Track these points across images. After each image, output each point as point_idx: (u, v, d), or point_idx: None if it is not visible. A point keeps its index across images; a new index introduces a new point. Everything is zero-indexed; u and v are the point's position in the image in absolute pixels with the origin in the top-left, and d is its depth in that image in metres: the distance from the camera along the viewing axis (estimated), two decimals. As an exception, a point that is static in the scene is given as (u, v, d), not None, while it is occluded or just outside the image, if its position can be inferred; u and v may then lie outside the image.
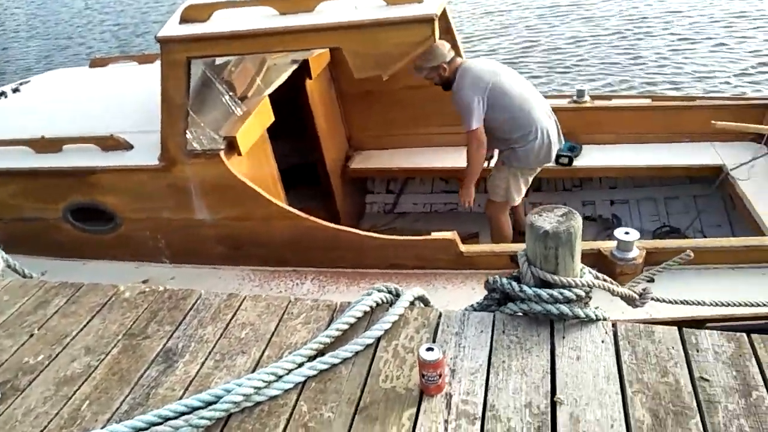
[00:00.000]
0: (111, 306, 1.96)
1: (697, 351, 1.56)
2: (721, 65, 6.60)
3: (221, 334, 1.78)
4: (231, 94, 2.96)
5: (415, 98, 3.83)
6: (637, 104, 3.95)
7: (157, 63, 2.81)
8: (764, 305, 2.07)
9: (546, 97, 4.47)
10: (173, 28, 2.63)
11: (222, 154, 2.74)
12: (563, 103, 3.99)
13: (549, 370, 1.58)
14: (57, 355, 1.79)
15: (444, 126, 3.87)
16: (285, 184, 3.33)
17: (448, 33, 3.59)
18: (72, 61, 9.26)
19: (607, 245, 2.59)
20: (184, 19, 2.62)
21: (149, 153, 2.87)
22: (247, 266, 3.01)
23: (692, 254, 2.11)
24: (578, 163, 3.74)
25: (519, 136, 3.07)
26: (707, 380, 1.48)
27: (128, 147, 2.98)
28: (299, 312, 1.85)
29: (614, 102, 4.02)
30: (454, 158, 3.86)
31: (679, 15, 7.91)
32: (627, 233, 2.49)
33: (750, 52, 6.80)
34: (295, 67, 3.37)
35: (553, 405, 1.48)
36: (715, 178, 3.49)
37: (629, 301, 1.93)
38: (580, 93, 3.93)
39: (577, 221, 1.64)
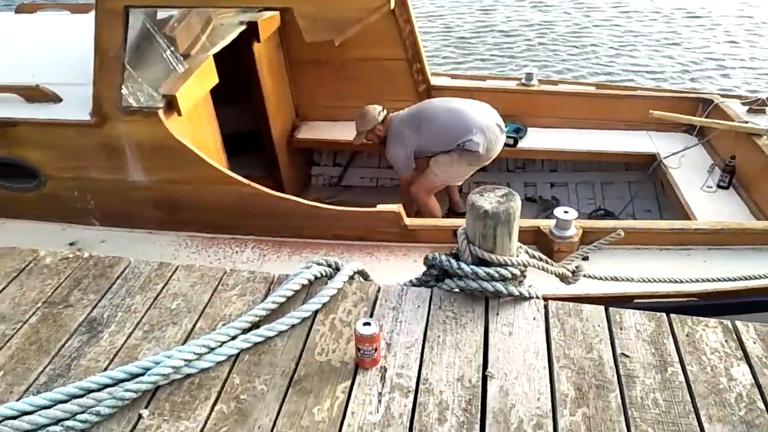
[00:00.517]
0: (29, 272, 1.83)
1: (621, 329, 1.63)
2: (663, 60, 6.88)
3: (151, 305, 1.70)
4: (172, 50, 2.80)
5: (366, 71, 3.77)
6: (582, 90, 4.05)
7: (92, 13, 2.61)
8: (685, 282, 2.18)
9: (495, 79, 4.54)
10: None
11: (161, 112, 2.59)
12: (512, 85, 4.05)
13: (482, 346, 1.61)
14: (-34, 323, 1.66)
15: (394, 101, 3.83)
16: (228, 151, 3.22)
17: (402, 5, 3.53)
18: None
19: (546, 223, 2.67)
20: None
21: (80, 107, 2.68)
22: (183, 232, 2.90)
23: (623, 233, 2.21)
24: (522, 144, 3.82)
25: (464, 140, 3.22)
26: (628, 356, 1.55)
27: (56, 99, 2.77)
28: (235, 283, 1.80)
29: (560, 87, 4.11)
30: None
31: (629, 9, 8.15)
32: (566, 212, 2.56)
33: (689, 49, 7.13)
34: (242, 28, 3.21)
35: (485, 379, 1.52)
36: (648, 166, 3.66)
37: (563, 278, 2.00)
38: (529, 76, 4.00)
39: (516, 202, 1.67)
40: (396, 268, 2.60)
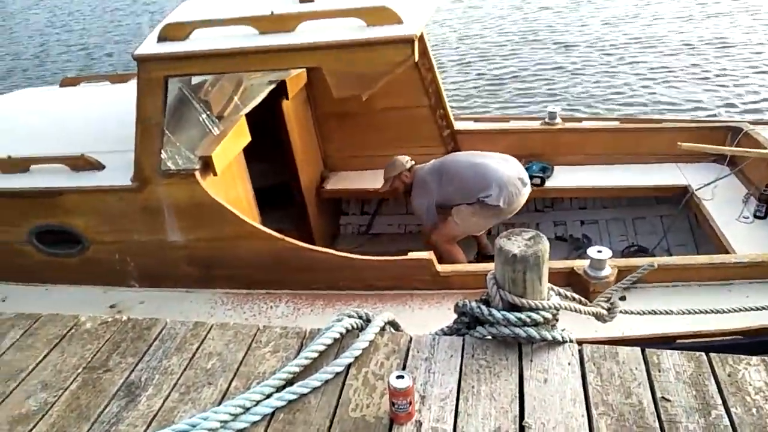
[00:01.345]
0: (71, 338, 1.90)
1: (659, 371, 1.60)
2: (686, 91, 6.85)
3: (187, 365, 1.74)
4: (207, 113, 2.94)
5: (391, 120, 3.87)
6: (606, 126, 4.07)
7: (131, 82, 2.76)
8: (727, 311, 2.11)
9: (519, 119, 4.59)
10: (151, 46, 2.60)
11: (197, 173, 2.71)
12: (535, 125, 4.08)
13: (517, 394, 1.59)
14: (11, 392, 1.71)
15: (419, 147, 3.92)
16: (260, 205, 3.31)
17: (424, 55, 3.65)
18: (35, 82, 9.00)
19: (579, 264, 2.64)
20: (163, 38, 2.60)
21: (121, 173, 2.82)
22: (219, 289, 2.96)
23: (656, 265, 2.18)
24: (550, 184, 3.82)
25: (483, 195, 3.26)
26: (669, 400, 1.51)
27: (100, 167, 2.92)
28: (268, 340, 1.83)
29: (584, 124, 4.14)
30: None
31: (647, 44, 8.22)
32: (600, 252, 2.54)
33: (713, 79, 7.09)
34: (272, 87, 3.36)
35: (522, 429, 1.49)
36: (680, 198, 3.61)
37: (598, 317, 1.97)
38: (552, 115, 4.03)
39: (545, 244, 1.67)
40: (429, 317, 2.60)
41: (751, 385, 1.53)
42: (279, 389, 1.64)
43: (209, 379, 1.69)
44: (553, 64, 7.91)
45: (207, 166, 2.73)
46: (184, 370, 1.72)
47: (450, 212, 3.41)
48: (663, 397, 1.52)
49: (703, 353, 1.63)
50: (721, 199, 3.42)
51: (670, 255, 3.70)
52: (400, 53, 2.43)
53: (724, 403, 1.49)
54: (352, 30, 2.47)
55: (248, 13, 2.54)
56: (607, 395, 1.55)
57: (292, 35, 2.49)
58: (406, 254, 2.79)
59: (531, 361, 1.69)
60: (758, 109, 6.19)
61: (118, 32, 11.78)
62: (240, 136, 2.97)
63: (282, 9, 2.54)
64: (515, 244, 1.67)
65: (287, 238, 2.77)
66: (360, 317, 1.87)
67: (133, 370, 1.74)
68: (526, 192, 3.37)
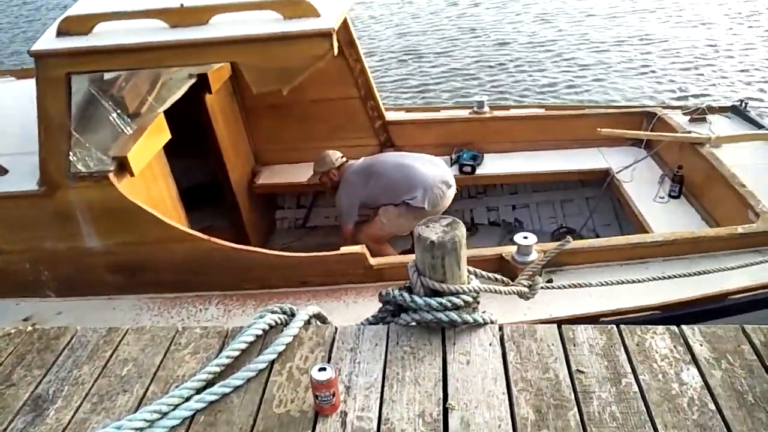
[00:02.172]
0: (-31, 354, 1.76)
1: (574, 345, 1.66)
2: (608, 81, 7.17)
3: (99, 374, 1.65)
4: (118, 111, 2.79)
5: (322, 112, 3.83)
6: (532, 114, 4.19)
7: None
8: (637, 282, 2.20)
9: (448, 109, 4.65)
10: (50, 41, 2.44)
11: (111, 175, 2.57)
12: (465, 114, 4.15)
13: (441, 378, 1.61)
14: None
15: (351, 138, 3.90)
16: (189, 204, 3.19)
17: (351, 46, 3.63)
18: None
19: (508, 250, 2.70)
20: (62, 32, 2.44)
21: (27, 177, 2.64)
22: (145, 294, 2.84)
23: (571, 240, 2.25)
24: (481, 171, 3.90)
25: (408, 197, 3.30)
26: (583, 372, 1.57)
27: (2, 172, 2.72)
28: (188, 342, 1.76)
29: (512, 112, 4.24)
30: None
31: (575, 39, 8.53)
32: (525, 237, 2.61)
33: (633, 69, 7.46)
34: (192, 81, 3.24)
35: (446, 411, 1.51)
36: (603, 181, 3.77)
37: (521, 295, 2.02)
38: (480, 104, 4.11)
39: (461, 230, 1.70)
40: (364, 310, 2.55)
41: (657, 352, 1.61)
42: (199, 391, 1.58)
43: (124, 387, 1.61)
44: (485, 57, 8.09)
45: (122, 167, 2.60)
46: (97, 378, 1.63)
47: (377, 212, 3.44)
48: (578, 370, 1.58)
49: (614, 326, 1.70)
50: (639, 181, 3.60)
51: (597, 234, 3.87)
52: (318, 47, 2.39)
53: (633, 371, 1.56)
54: (269, 23, 2.41)
55: (157, 5, 2.43)
56: (526, 372, 1.59)
57: (205, 29, 2.40)
58: (338, 249, 2.77)
59: (454, 344, 1.71)
60: (671, 96, 6.56)
61: (33, 28, 11.04)
62: (158, 133, 2.84)
63: (193, 1, 2.44)
64: (433, 231, 1.68)
65: (213, 239, 2.68)
66: (284, 312, 1.84)
67: (39, 383, 1.63)
68: (450, 194, 3.44)
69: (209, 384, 1.60)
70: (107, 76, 2.93)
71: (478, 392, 1.55)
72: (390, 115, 4.02)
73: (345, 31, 3.54)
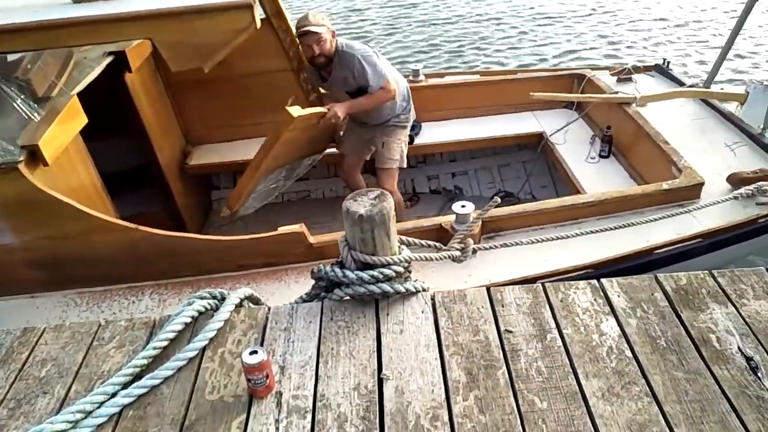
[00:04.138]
0: None
1: (503, 306, 1.70)
2: (537, 42, 7.30)
3: (16, 377, 1.56)
4: (24, 96, 2.59)
5: (253, 86, 3.69)
6: (467, 80, 4.19)
7: None
8: (572, 236, 2.29)
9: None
10: None
11: (21, 166, 2.39)
12: None
13: (375, 349, 1.62)
14: None
15: None
16: (117, 190, 3.02)
17: (279, 17, 3.49)
18: None
19: (447, 219, 2.72)
20: None
21: None
22: (71, 290, 2.69)
23: (499, 200, 2.30)
24: (419, 140, 3.90)
25: (407, 105, 3.33)
26: (511, 331, 1.62)
27: None
28: (112, 336, 1.69)
29: (447, 80, 4.23)
30: None
31: (509, 11, 8.60)
32: (463, 206, 2.63)
33: (561, 30, 7.61)
34: (109, 60, 3.03)
35: (380, 382, 1.52)
36: (538, 145, 3.85)
37: (455, 259, 2.06)
38: (416, 72, 4.08)
39: (389, 202, 1.69)
40: (306, 289, 2.54)
41: (579, 306, 1.67)
42: (126, 386, 1.53)
43: (44, 388, 1.53)
44: (421, 28, 8.04)
45: (34, 156, 2.42)
46: (13, 382, 1.55)
47: (357, 159, 3.54)
48: (506, 330, 1.63)
49: (539, 284, 1.75)
50: (572, 142, 3.70)
51: (534, 197, 3.97)
52: (239, 20, 2.28)
53: (557, 326, 1.62)
54: None
55: None
56: (457, 336, 1.63)
57: (113, 4, 2.25)
58: (277, 229, 2.71)
59: (387, 314, 1.72)
60: (600, 57, 6.75)
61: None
62: (73, 118, 2.66)
63: None
64: (361, 204, 1.67)
65: (141, 227, 2.56)
66: (214, 297, 1.79)
67: (-51, 394, 1.54)
68: None
69: (137, 377, 1.55)
70: (10, 58, 2.70)
71: (412, 360, 1.57)
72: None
73: (272, 2, 3.41)
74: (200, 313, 1.74)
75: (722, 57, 3.66)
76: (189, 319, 1.70)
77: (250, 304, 1.86)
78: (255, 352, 1.47)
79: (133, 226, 2.58)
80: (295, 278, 2.68)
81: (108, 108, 2.93)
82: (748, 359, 1.47)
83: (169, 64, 2.32)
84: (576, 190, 3.28)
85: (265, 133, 3.91)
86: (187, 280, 2.70)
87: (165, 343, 1.63)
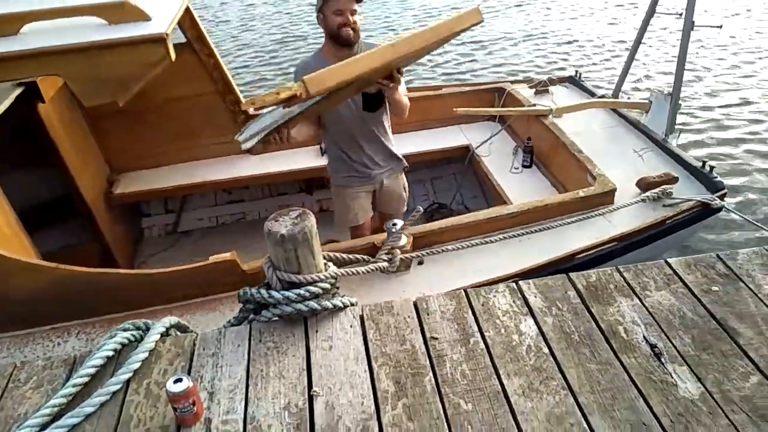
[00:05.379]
0: None
1: (428, 314, 1.75)
2: (463, 61, 7.59)
3: None
4: None
5: (179, 110, 3.64)
6: None
7: None
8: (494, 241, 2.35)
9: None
10: None
11: None
12: None
13: (305, 367, 1.63)
14: None
15: (215, 135, 3.77)
16: (38, 223, 2.87)
17: (201, 41, 3.47)
18: None
19: (379, 237, 2.75)
20: None
21: None
22: None
23: (422, 209, 2.34)
24: None
25: None
26: (436, 338, 1.67)
27: None
28: (29, 376, 1.62)
29: None
30: (234, 168, 3.77)
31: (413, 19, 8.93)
32: (394, 224, 2.69)
33: (482, 45, 7.96)
34: (19, 91, 2.90)
35: (311, 399, 1.53)
36: (465, 157, 3.99)
37: (384, 270, 2.10)
38: None
39: (311, 220, 1.71)
40: None
41: (499, 309, 1.75)
42: (45, 426, 1.46)
43: (-48, 439, 1.45)
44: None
45: None
46: None
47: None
48: (432, 337, 1.68)
49: (462, 290, 1.82)
50: (496, 154, 3.87)
51: (466, 207, 4.11)
52: (152, 53, 2.23)
53: (480, 329, 1.69)
54: (92, 30, 2.21)
55: None
56: (385, 347, 1.66)
57: (16, 40, 2.16)
58: (208, 259, 2.66)
59: (317, 331, 1.74)
60: (519, 70, 7.11)
61: None
62: None
63: (1, 8, 2.20)
64: (282, 224, 1.69)
65: (63, 266, 2.44)
66: (138, 328, 1.75)
67: None
68: None
69: (56, 417, 1.49)
70: None
71: (341, 374, 1.59)
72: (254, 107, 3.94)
73: (192, 27, 3.40)
74: (123, 345, 1.69)
75: (626, 68, 3.95)
76: (111, 353, 1.65)
77: (178, 332, 1.82)
78: (180, 379, 1.45)
79: (53, 265, 2.45)
80: (230, 306, 2.63)
81: (22, 140, 2.81)
82: (653, 346, 1.59)
83: (81, 99, 2.26)
84: (502, 200, 3.41)
85: (194, 156, 3.89)
86: (116, 316, 2.59)
87: (86, 380, 1.57)
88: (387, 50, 1.91)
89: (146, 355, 1.65)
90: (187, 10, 3.22)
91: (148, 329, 1.75)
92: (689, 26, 3.27)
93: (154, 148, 3.75)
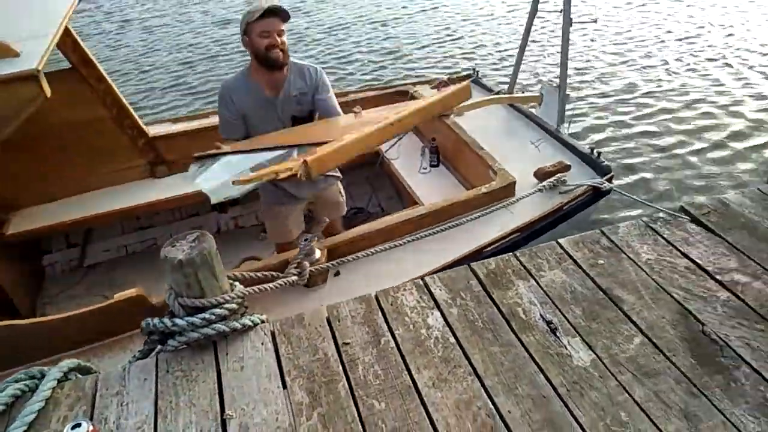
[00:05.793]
0: None
1: (339, 321, 1.77)
2: (366, 59, 7.75)
3: None
4: None
5: (72, 139, 3.42)
6: None
7: None
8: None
9: (216, 113, 4.53)
10: None
11: None
12: None
13: (217, 391, 1.59)
14: None
15: (116, 162, 3.60)
16: None
17: (88, 66, 3.30)
18: None
19: (293, 254, 2.72)
20: None
21: None
22: None
23: (327, 220, 2.32)
24: None
25: None
26: (348, 343, 1.69)
27: None
28: None
29: None
30: (140, 193, 3.60)
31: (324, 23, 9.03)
32: (306, 239, 2.67)
33: (383, 47, 8.17)
34: None
35: (224, 423, 1.50)
36: (376, 160, 4.04)
37: (293, 284, 2.08)
38: None
39: (209, 242, 1.68)
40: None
41: (407, 306, 1.80)
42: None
43: None
44: (231, 59, 8.19)
45: None
46: None
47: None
48: (344, 343, 1.69)
49: (371, 293, 1.85)
50: (405, 156, 3.95)
51: (382, 209, 4.16)
52: (24, 92, 2.09)
53: (390, 328, 1.73)
54: None
55: None
56: (297, 359, 1.66)
57: None
58: (112, 297, 2.52)
59: (227, 354, 1.70)
60: (420, 71, 7.35)
61: None
62: None
63: None
64: (179, 249, 1.64)
65: None
66: (32, 377, 1.64)
67: None
68: None
69: (-61, 488, 1.36)
70: None
71: (255, 393, 1.57)
72: (154, 130, 3.79)
73: (75, 51, 3.23)
74: (17, 397, 1.58)
75: (518, 65, 4.17)
76: (2, 407, 1.53)
77: (79, 375, 1.72)
78: (78, 425, 1.38)
79: None
80: (141, 344, 2.51)
81: None
82: (548, 323, 1.69)
83: None
84: (414, 201, 3.49)
85: (95, 185, 3.68)
86: (12, 370, 2.40)
87: (-29, 441, 1.45)
88: (388, 131, 1.92)
89: (42, 404, 1.55)
90: (67, 34, 3.07)
91: (43, 376, 1.64)
92: (568, 22, 3.52)
93: (48, 180, 3.52)
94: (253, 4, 2.35)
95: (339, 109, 2.63)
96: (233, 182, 1.68)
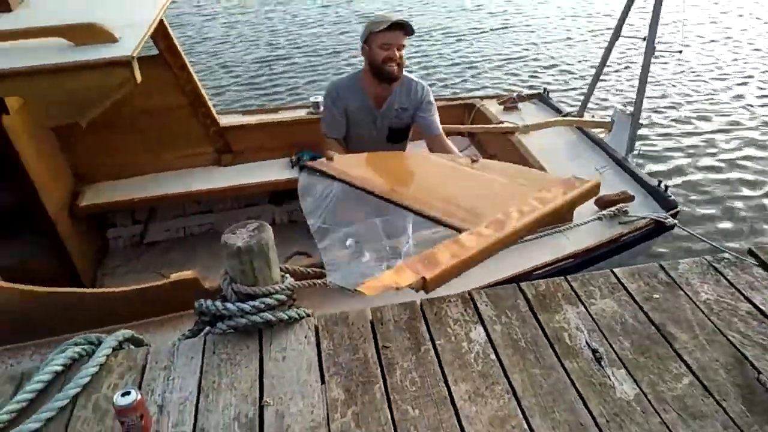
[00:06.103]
0: None
1: (382, 324, 1.78)
2: (436, 72, 7.80)
3: None
4: None
5: (150, 123, 3.63)
6: None
7: None
8: None
9: (285, 109, 4.66)
10: None
11: None
12: (302, 114, 4.17)
13: (257, 378, 1.64)
14: None
15: (186, 148, 3.77)
16: None
17: (173, 54, 3.49)
18: None
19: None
20: None
21: None
22: None
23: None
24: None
25: None
26: (388, 347, 1.70)
27: None
28: (-28, 393, 1.60)
29: None
30: (204, 179, 3.75)
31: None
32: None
33: (455, 60, 8.18)
34: None
35: (261, 409, 1.54)
36: None
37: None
38: (316, 105, 4.08)
39: (268, 233, 1.74)
40: None
41: (450, 318, 1.79)
42: (-13, 443, 1.45)
43: None
44: (317, 59, 8.39)
45: None
46: None
47: None
48: (384, 346, 1.71)
49: (416, 301, 1.86)
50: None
51: None
52: (116, 77, 2.21)
53: (431, 337, 1.73)
54: (57, 52, 2.20)
55: None
56: (338, 357, 1.69)
57: None
58: (169, 277, 2.64)
59: (271, 343, 1.75)
60: (489, 85, 7.31)
61: None
62: None
63: None
64: (239, 237, 1.71)
65: (16, 285, 2.39)
66: (90, 342, 1.74)
67: None
68: None
69: (0, 434, 1.47)
70: None
71: (293, 384, 1.61)
72: (225, 120, 3.95)
73: (165, 39, 3.42)
74: (74, 360, 1.69)
75: (592, 88, 4.08)
76: (60, 368, 1.64)
77: (132, 346, 1.82)
78: (127, 393, 1.45)
79: (6, 285, 2.42)
80: (191, 325, 2.62)
81: None
82: (594, 351, 1.64)
83: (44, 120, 2.25)
84: None
85: (163, 168, 3.88)
86: (74, 335, 2.56)
87: (32, 395, 1.56)
88: (512, 238, 1.85)
89: (96, 369, 1.64)
90: (161, 22, 3.26)
91: (100, 343, 1.74)
92: (651, 50, 3.41)
93: (122, 159, 3.74)
94: (376, 14, 2.43)
95: (440, 129, 2.64)
96: (356, 289, 1.65)
